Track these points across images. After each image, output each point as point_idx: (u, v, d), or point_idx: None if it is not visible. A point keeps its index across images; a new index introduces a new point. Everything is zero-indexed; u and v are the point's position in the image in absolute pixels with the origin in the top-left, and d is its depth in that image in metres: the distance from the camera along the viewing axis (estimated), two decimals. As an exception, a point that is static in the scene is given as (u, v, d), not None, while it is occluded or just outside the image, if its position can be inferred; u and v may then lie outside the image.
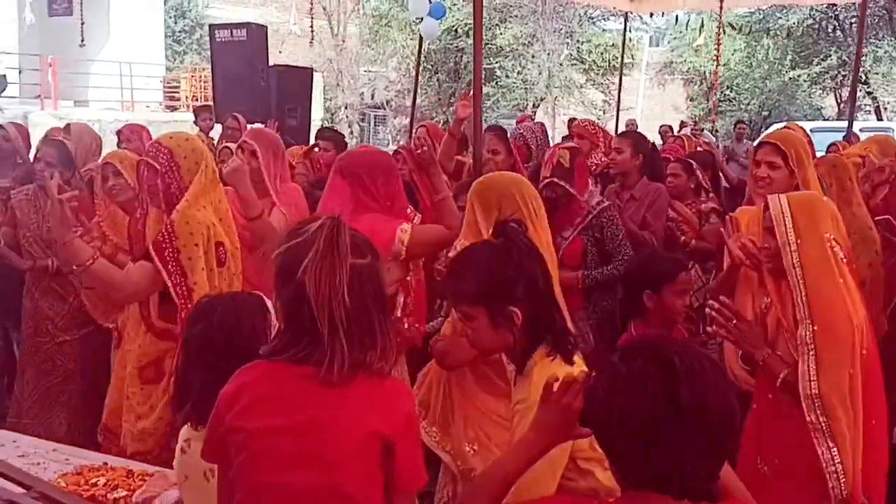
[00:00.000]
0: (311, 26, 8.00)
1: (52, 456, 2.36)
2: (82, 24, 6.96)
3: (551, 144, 4.66)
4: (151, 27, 16.00)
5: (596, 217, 3.68)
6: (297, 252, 1.46)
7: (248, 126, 6.49)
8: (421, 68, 27.91)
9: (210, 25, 8.26)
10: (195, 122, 7.01)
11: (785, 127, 4.93)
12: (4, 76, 13.59)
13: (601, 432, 1.31)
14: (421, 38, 10.11)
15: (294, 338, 1.48)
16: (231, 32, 7.63)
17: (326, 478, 1.46)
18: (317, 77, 20.98)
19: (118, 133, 4.97)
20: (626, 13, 12.74)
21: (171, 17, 19.09)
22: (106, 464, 2.28)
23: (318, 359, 1.45)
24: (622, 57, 13.90)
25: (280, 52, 23.05)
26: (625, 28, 13.38)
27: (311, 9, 8.75)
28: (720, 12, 8.89)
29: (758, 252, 2.48)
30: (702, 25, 14.22)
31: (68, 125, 4.85)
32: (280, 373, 1.49)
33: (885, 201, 3.88)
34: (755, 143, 3.05)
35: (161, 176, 2.62)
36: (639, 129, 13.17)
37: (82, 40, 7.05)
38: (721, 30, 9.63)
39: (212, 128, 6.92)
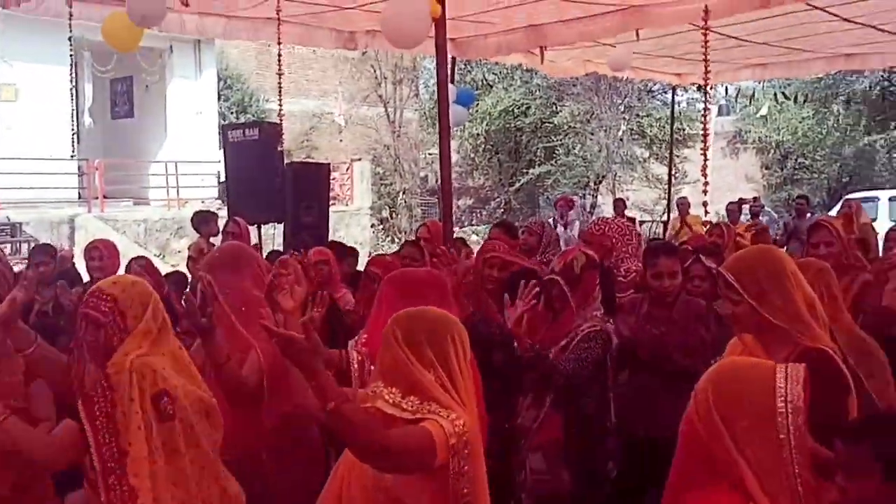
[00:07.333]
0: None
1: None
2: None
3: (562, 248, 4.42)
4: (205, 126, 16.44)
5: (577, 341, 3.20)
6: None
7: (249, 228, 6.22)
8: (481, 149, 27.55)
9: (223, 126, 8.17)
10: (196, 229, 6.68)
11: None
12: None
13: None
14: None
15: None
16: (243, 132, 7.49)
17: None
18: (370, 165, 21.26)
19: (86, 250, 4.71)
20: (674, 87, 12.39)
21: (232, 113, 19.65)
22: None
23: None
24: (671, 129, 13.43)
25: (340, 140, 23.53)
26: (672, 100, 13.00)
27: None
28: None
29: None
30: (753, 95, 13.60)
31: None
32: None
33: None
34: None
35: (103, 328, 2.26)
36: (691, 206, 12.55)
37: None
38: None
39: (216, 233, 6.60)
